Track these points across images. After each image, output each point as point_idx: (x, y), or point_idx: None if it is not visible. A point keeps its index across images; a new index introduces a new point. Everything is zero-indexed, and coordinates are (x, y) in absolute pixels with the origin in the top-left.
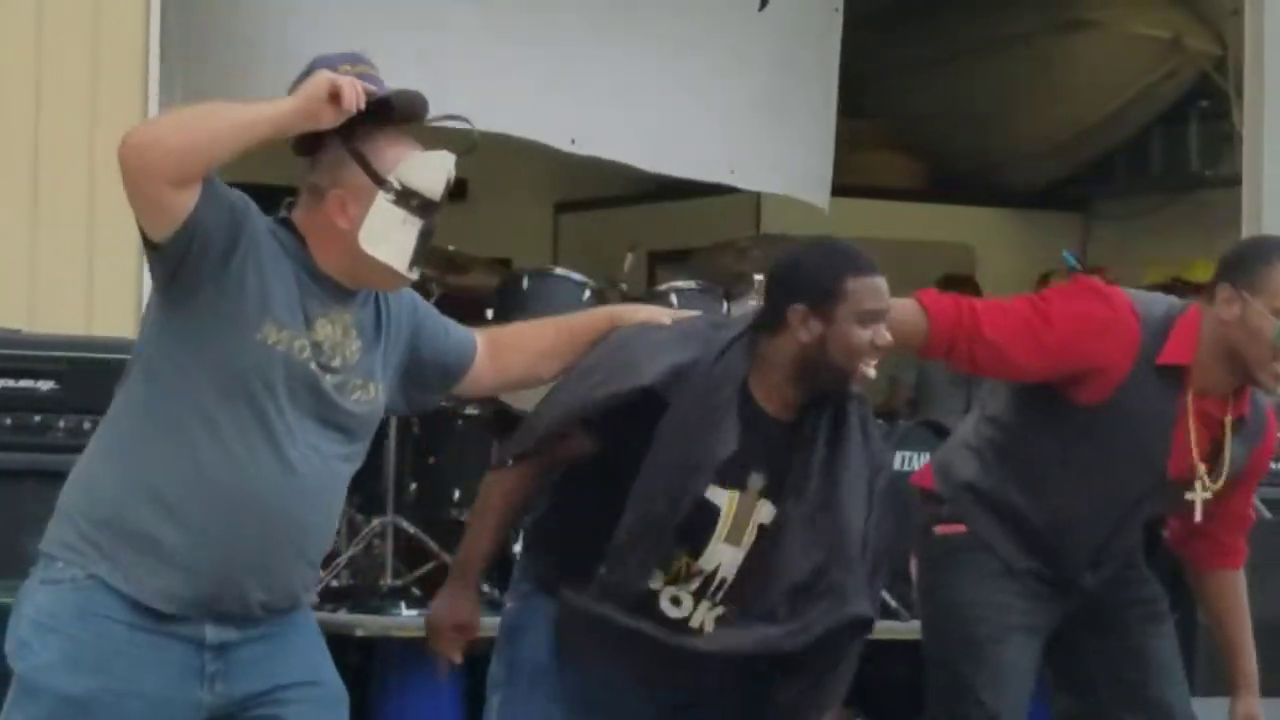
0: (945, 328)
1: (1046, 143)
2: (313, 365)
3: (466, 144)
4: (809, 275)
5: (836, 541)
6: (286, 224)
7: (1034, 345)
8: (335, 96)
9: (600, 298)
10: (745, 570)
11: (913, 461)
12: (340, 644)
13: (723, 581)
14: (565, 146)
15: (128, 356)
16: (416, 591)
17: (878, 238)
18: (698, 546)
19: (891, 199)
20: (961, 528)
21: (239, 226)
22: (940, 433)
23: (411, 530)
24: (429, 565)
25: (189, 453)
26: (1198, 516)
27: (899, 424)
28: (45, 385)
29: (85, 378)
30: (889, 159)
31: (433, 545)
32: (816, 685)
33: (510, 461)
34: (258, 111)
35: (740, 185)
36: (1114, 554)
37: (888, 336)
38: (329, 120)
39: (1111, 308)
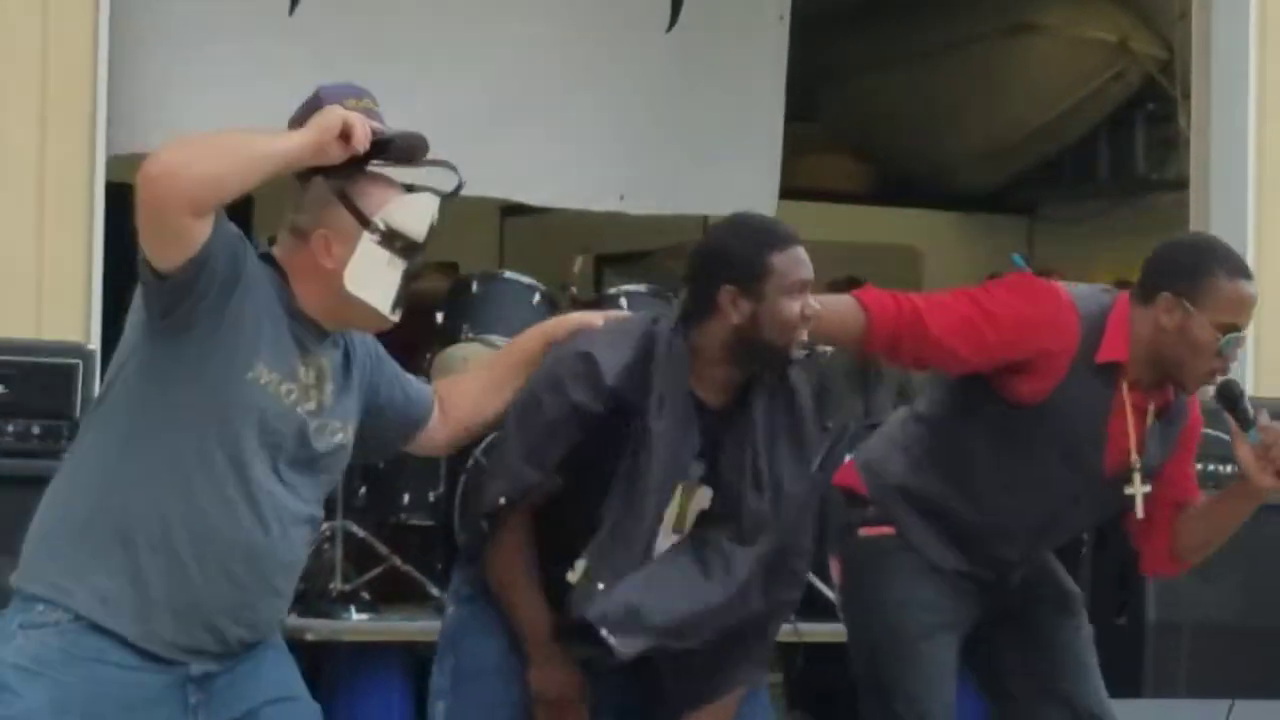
0: (886, 325)
1: (993, 146)
2: (298, 409)
3: (452, 188)
4: (734, 255)
5: (780, 520)
6: (269, 261)
7: (977, 340)
8: (346, 134)
9: (550, 301)
10: (701, 551)
11: None
12: (290, 648)
13: None
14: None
15: (76, 360)
16: (366, 595)
17: (824, 240)
18: (651, 541)
19: (838, 201)
20: (888, 529)
21: (241, 261)
22: None
23: (361, 534)
24: (378, 569)
25: (176, 495)
26: (1139, 513)
27: (849, 426)
28: None
29: (34, 382)
30: (836, 162)
31: (382, 549)
32: (747, 654)
33: (487, 528)
34: (274, 145)
35: (631, 210)
36: (1039, 555)
37: (815, 305)
38: (336, 157)
39: (1054, 300)
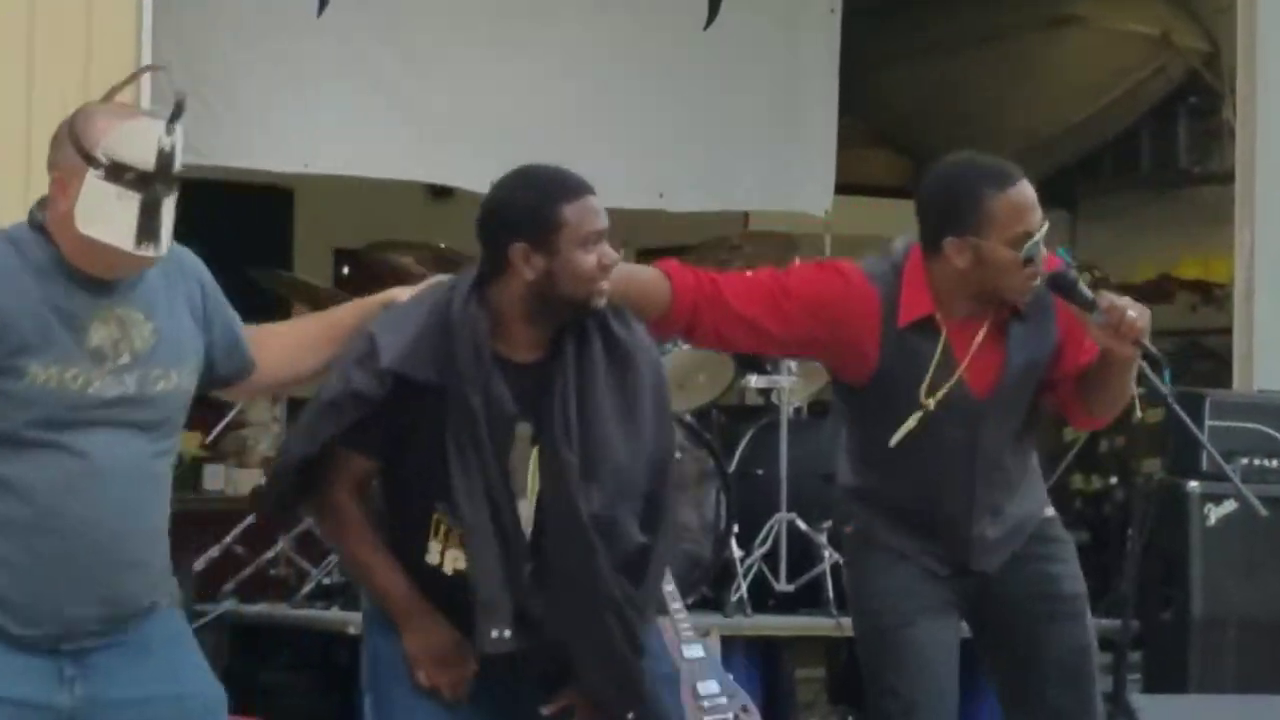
0: (688, 294)
1: (1034, 139)
2: (90, 389)
3: (176, 108)
4: (522, 210)
5: (607, 471)
6: (39, 228)
7: (776, 312)
8: None
9: None
10: (545, 517)
11: None
12: (331, 642)
13: (524, 535)
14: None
15: None
16: None
17: (870, 234)
18: (510, 513)
19: (881, 195)
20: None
21: None
22: None
23: None
24: None
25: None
26: (1010, 431)
27: None
28: None
29: None
30: (875, 155)
31: None
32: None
33: (272, 513)
34: None
35: (670, 208)
36: (1001, 502)
37: (613, 254)
38: None
39: (845, 278)
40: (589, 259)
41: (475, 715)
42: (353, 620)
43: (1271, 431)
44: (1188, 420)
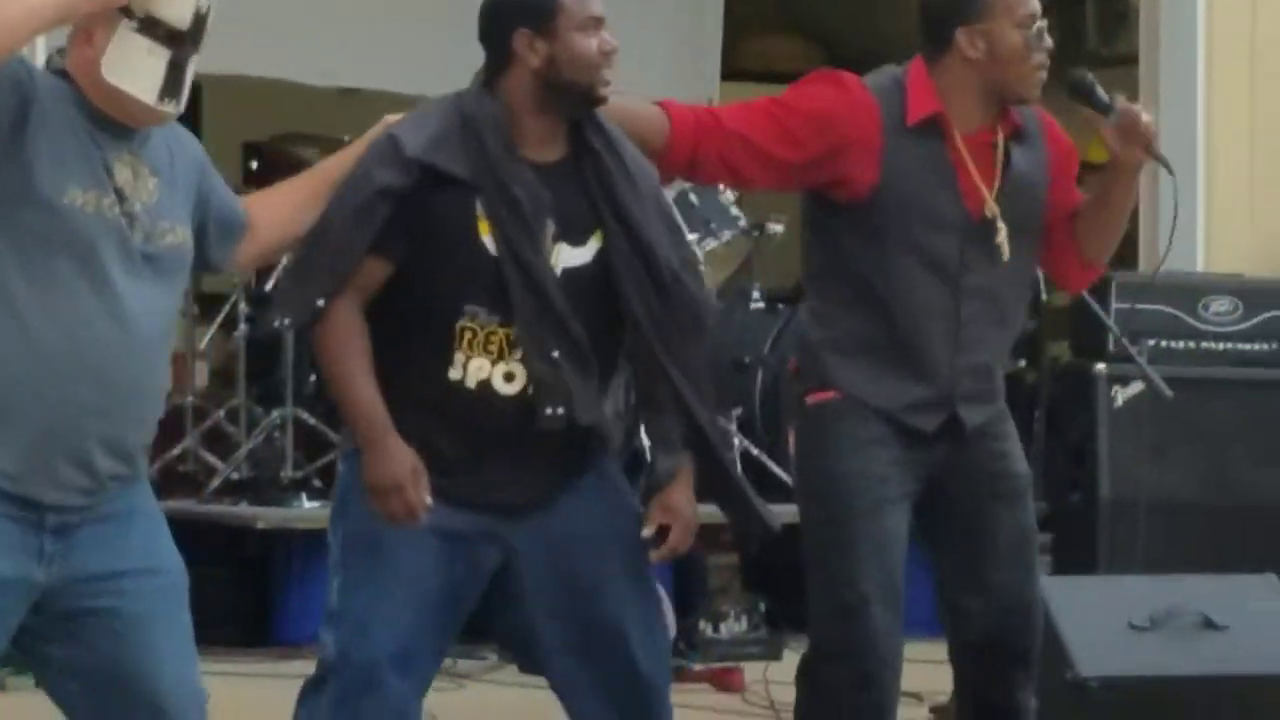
0: (688, 127)
1: None
2: (123, 220)
3: None
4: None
5: (653, 266)
6: (63, 75)
7: (781, 132)
8: None
9: None
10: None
11: None
12: (241, 536)
13: None
14: (319, 81)
15: None
16: (317, 483)
17: None
18: (509, 312)
19: (782, 82)
20: (830, 394)
21: (27, 102)
22: None
23: (311, 422)
24: (329, 456)
25: (14, 321)
26: (1005, 255)
27: (798, 307)
28: None
29: None
30: (780, 42)
31: (333, 436)
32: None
33: (321, 305)
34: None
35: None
36: (987, 338)
37: (612, 41)
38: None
39: (843, 86)
40: (589, 43)
41: (442, 602)
42: (262, 515)
43: (1177, 313)
44: (1093, 303)
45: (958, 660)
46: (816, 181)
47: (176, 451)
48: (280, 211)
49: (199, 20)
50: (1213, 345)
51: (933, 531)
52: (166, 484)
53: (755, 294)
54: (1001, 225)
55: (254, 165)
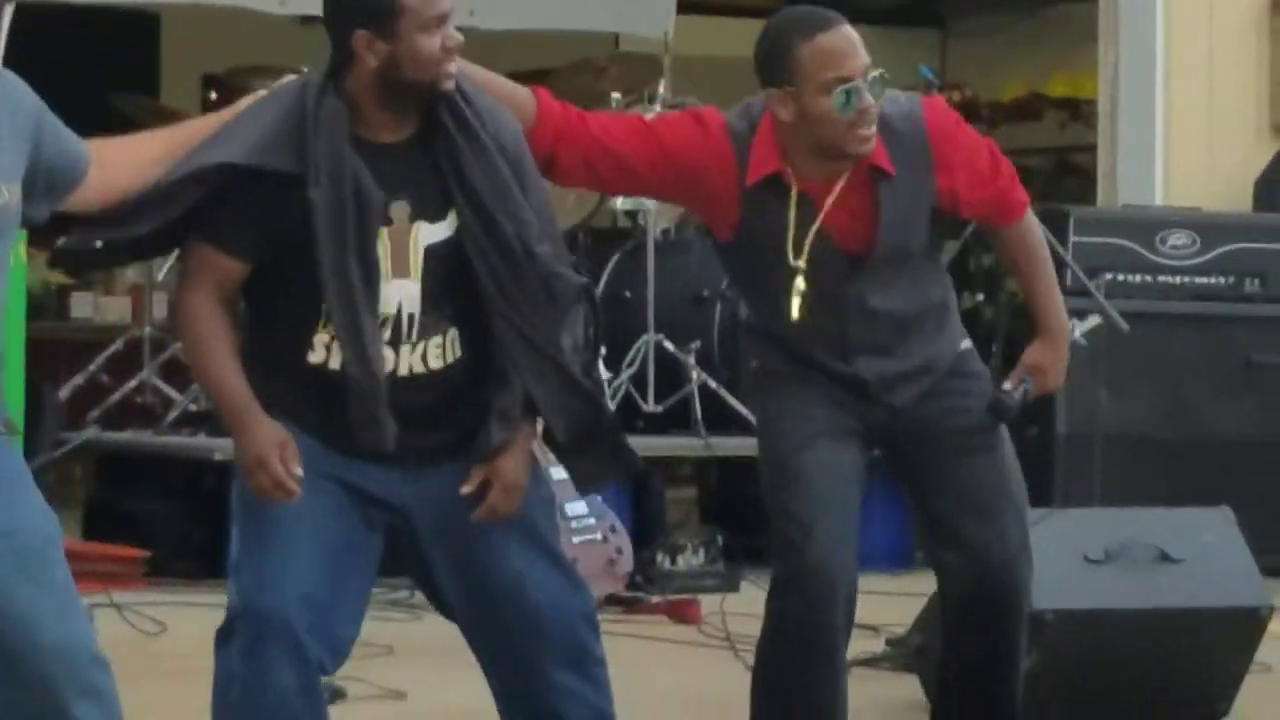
0: (552, 121)
1: None
2: None
3: None
4: None
5: (501, 241)
6: None
7: (644, 153)
8: None
9: None
10: (428, 294)
11: None
12: (196, 469)
13: (411, 317)
14: (277, 10)
15: None
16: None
17: (728, 55)
18: (370, 300)
19: (740, 15)
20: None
21: None
22: None
23: None
24: None
25: None
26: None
27: None
28: None
29: None
30: None
31: None
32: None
33: (99, 246)
34: None
35: (482, 25)
36: (887, 342)
37: (457, 36)
38: None
39: (705, 130)
40: (432, 43)
41: (346, 546)
42: (219, 446)
43: (1135, 246)
44: (1050, 236)
45: (945, 614)
46: (683, 205)
47: (134, 383)
48: (133, 162)
49: None
50: (1170, 279)
51: (910, 491)
52: (124, 416)
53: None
54: (881, 258)
55: (213, 96)
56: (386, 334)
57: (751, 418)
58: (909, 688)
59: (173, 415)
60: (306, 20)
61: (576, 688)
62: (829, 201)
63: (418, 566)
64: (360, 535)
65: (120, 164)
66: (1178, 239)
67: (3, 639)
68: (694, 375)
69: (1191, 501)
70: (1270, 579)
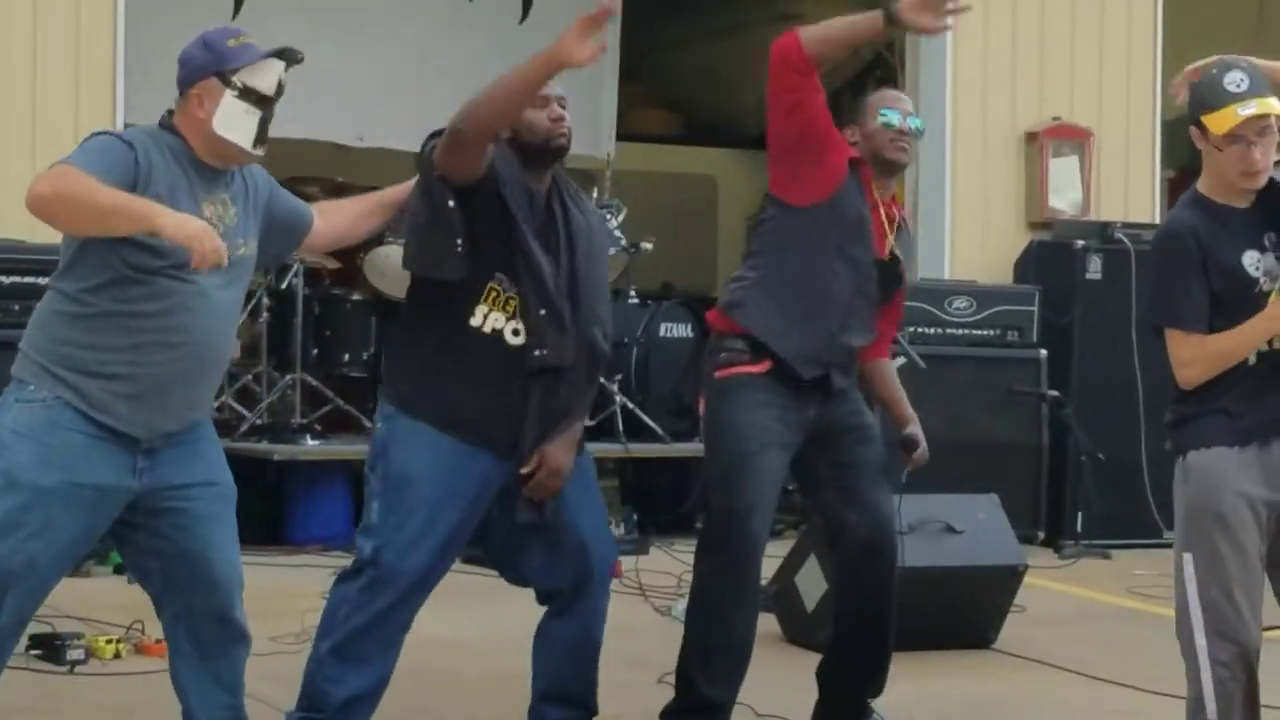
0: None
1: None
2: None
3: (289, 54)
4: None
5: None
6: (170, 129)
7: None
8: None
9: None
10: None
11: (673, 330)
12: (261, 466)
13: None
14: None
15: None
16: (318, 427)
17: (646, 171)
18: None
19: (655, 142)
20: (734, 370)
21: (133, 168)
22: (692, 308)
23: (313, 383)
24: (326, 408)
25: (131, 324)
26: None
27: (662, 303)
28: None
29: None
30: (655, 113)
31: (329, 393)
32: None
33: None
34: (126, 213)
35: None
36: (861, 327)
37: (562, 110)
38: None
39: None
40: (541, 116)
41: (458, 531)
42: (277, 450)
43: (930, 308)
44: None
45: (840, 576)
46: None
47: (216, 404)
48: (349, 214)
49: (280, 88)
50: (955, 331)
51: (818, 471)
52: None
53: (631, 293)
54: (879, 268)
55: None
56: (515, 307)
57: (659, 430)
58: (769, 623)
59: (244, 427)
60: (341, 146)
61: (605, 604)
62: (883, 211)
63: (498, 526)
64: (472, 519)
65: (337, 213)
66: (960, 302)
67: (200, 555)
68: (617, 399)
69: (969, 489)
70: (1025, 545)
